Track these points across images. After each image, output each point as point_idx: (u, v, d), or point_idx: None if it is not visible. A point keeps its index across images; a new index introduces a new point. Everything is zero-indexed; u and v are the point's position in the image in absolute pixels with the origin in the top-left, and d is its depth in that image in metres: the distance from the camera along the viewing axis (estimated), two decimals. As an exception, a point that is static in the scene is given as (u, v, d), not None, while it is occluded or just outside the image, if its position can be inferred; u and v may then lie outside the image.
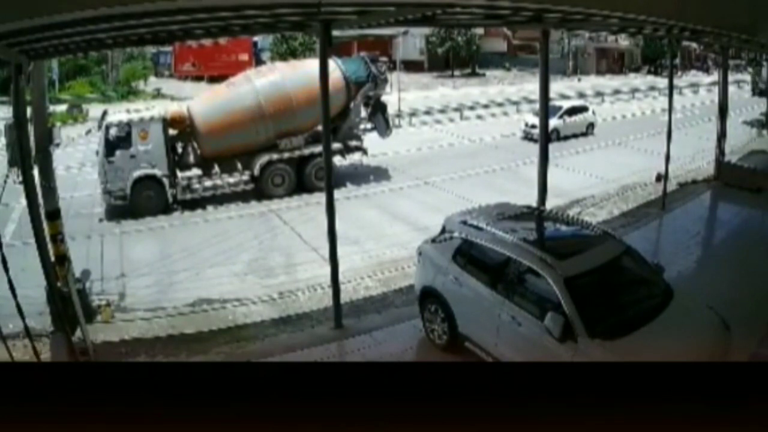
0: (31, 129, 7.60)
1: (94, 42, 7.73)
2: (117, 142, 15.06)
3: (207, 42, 38.15)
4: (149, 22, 6.46)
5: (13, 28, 4.94)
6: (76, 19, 5.24)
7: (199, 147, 16.23)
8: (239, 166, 16.25)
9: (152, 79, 43.26)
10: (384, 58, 20.20)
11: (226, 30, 9.03)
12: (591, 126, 23.82)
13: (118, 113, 16.23)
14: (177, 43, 36.99)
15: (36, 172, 7.87)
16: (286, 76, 16.37)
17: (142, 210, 14.99)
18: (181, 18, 6.66)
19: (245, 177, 16.19)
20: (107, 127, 15.13)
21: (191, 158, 16.37)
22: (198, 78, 41.44)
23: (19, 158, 7.05)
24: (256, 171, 16.15)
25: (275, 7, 6.79)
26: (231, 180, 16.09)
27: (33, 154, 7.60)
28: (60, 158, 13.74)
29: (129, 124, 15.20)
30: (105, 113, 16.14)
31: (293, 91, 15.98)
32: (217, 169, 16.15)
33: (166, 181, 15.36)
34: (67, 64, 37.26)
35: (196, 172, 16.10)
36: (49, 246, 7.90)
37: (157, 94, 37.30)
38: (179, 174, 15.79)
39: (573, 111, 23.61)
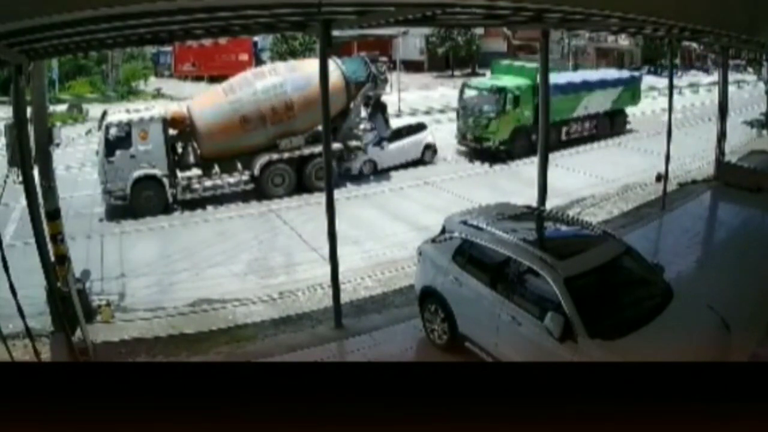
0: (31, 129, 7.60)
1: (94, 42, 7.73)
2: (117, 142, 15.03)
3: (207, 42, 38.15)
4: (149, 22, 6.46)
5: (13, 28, 4.94)
6: (76, 19, 5.25)
7: (199, 147, 16.21)
8: (239, 166, 16.25)
9: (152, 79, 43.21)
10: (384, 58, 20.17)
11: (226, 30, 9.04)
12: (429, 149, 18.83)
13: (118, 113, 16.23)
14: (177, 43, 37.02)
15: (36, 172, 7.86)
16: (286, 78, 16.34)
17: (142, 210, 14.98)
18: (181, 18, 6.66)
19: (245, 177, 16.18)
20: (107, 127, 15.10)
21: (191, 158, 16.35)
22: (198, 78, 41.43)
23: (19, 158, 7.05)
24: (256, 171, 16.14)
25: (275, 7, 6.80)
26: (231, 180, 16.08)
27: (33, 154, 7.60)
28: (60, 158, 13.74)
29: (129, 124, 15.19)
30: (105, 113, 16.13)
31: (293, 92, 15.97)
32: (217, 169, 16.15)
33: (166, 181, 15.34)
34: (67, 64, 37.19)
35: (196, 172, 16.10)
36: (49, 246, 7.90)
37: (157, 94, 37.26)
38: (179, 174, 15.78)
39: (401, 133, 18.44)
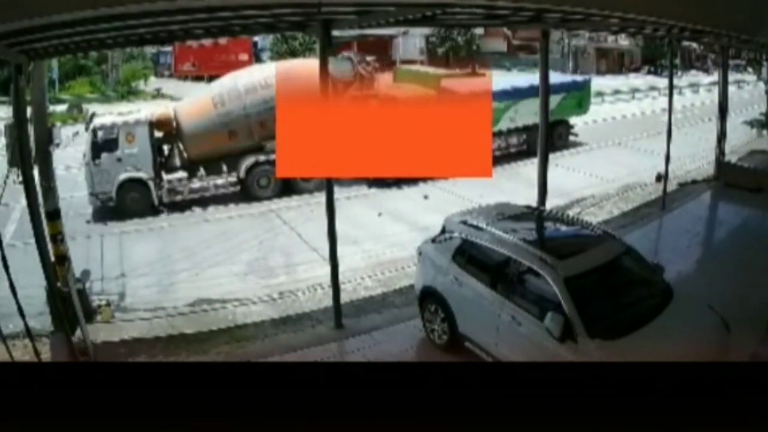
0: (31, 129, 7.60)
1: (94, 42, 7.73)
2: (103, 145, 14.90)
3: (207, 42, 38.18)
4: (149, 22, 6.46)
5: (13, 28, 4.95)
6: (76, 19, 5.25)
7: (185, 149, 16.10)
8: (225, 168, 16.12)
9: (152, 79, 43.23)
10: (370, 57, 19.84)
11: (226, 30, 9.03)
12: None
13: (106, 116, 16.08)
14: (177, 43, 37.03)
15: (36, 172, 7.86)
16: (275, 79, 16.13)
17: (128, 212, 14.89)
18: (181, 18, 6.66)
19: (231, 179, 16.06)
20: (94, 131, 14.96)
21: (177, 160, 16.20)
22: (198, 78, 41.46)
23: (19, 158, 7.05)
24: (242, 173, 16.04)
25: (275, 7, 6.79)
26: (217, 182, 15.98)
27: (33, 154, 7.60)
28: (60, 158, 13.72)
29: (115, 127, 15.04)
30: (92, 115, 16.02)
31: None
32: (202, 171, 16.02)
33: (151, 183, 15.18)
34: (67, 64, 37.27)
35: (181, 174, 15.87)
36: (49, 246, 7.90)
37: (157, 94, 37.28)
38: (165, 176, 15.62)
39: None
